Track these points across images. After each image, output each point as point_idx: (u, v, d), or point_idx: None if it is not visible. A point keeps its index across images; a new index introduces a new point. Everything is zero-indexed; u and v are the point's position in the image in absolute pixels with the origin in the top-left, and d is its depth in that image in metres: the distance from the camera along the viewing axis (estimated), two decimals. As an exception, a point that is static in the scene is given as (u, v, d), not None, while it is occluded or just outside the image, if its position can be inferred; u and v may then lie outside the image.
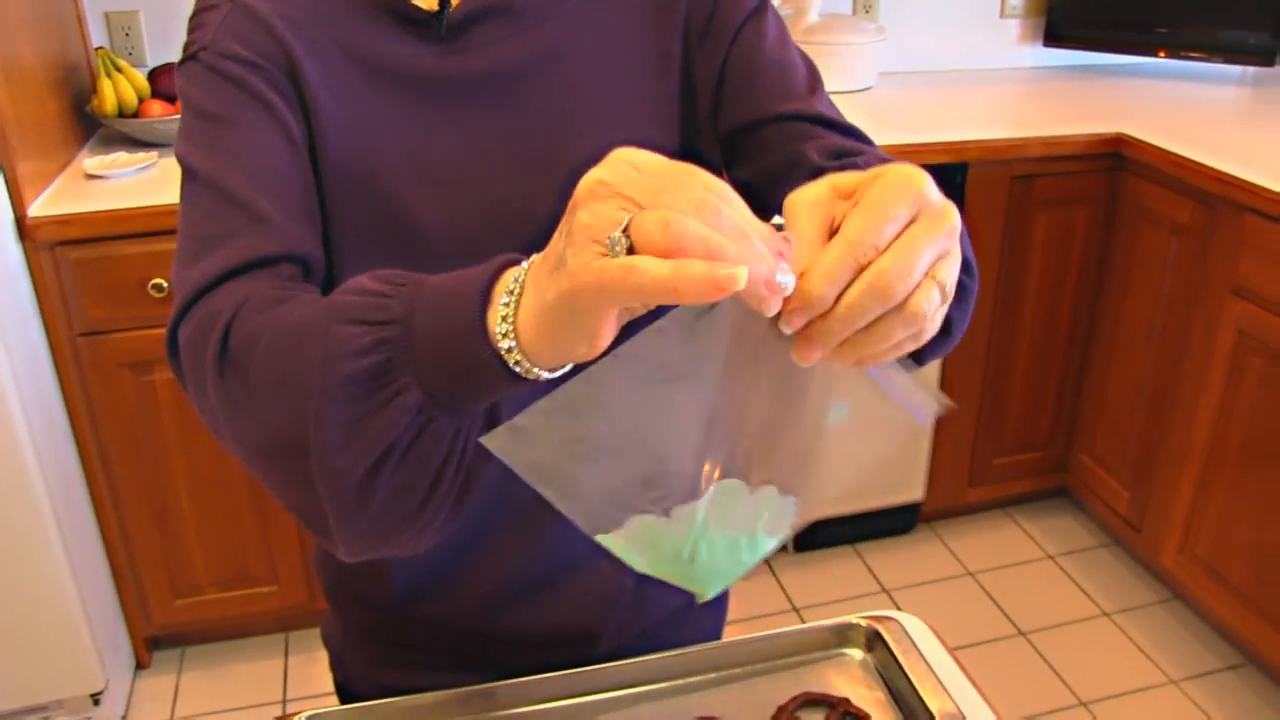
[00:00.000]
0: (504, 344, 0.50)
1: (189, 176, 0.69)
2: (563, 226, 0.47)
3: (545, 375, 0.52)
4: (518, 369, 0.51)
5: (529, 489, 0.80)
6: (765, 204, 0.68)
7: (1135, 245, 2.23)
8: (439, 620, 0.88)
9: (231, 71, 0.70)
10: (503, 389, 0.53)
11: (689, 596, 0.93)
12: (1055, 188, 2.24)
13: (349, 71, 0.73)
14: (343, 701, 0.98)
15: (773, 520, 0.56)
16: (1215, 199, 1.98)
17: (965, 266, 0.65)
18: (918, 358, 0.64)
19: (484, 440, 0.50)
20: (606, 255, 0.44)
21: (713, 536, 0.54)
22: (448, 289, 0.53)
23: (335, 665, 0.97)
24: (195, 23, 0.74)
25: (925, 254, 0.46)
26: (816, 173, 0.68)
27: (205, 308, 0.61)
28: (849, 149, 0.74)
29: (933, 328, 0.48)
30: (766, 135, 0.78)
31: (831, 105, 0.79)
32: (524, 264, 0.51)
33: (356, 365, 0.53)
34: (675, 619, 0.96)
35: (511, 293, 0.50)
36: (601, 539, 0.54)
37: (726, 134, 0.80)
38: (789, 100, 0.78)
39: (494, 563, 0.85)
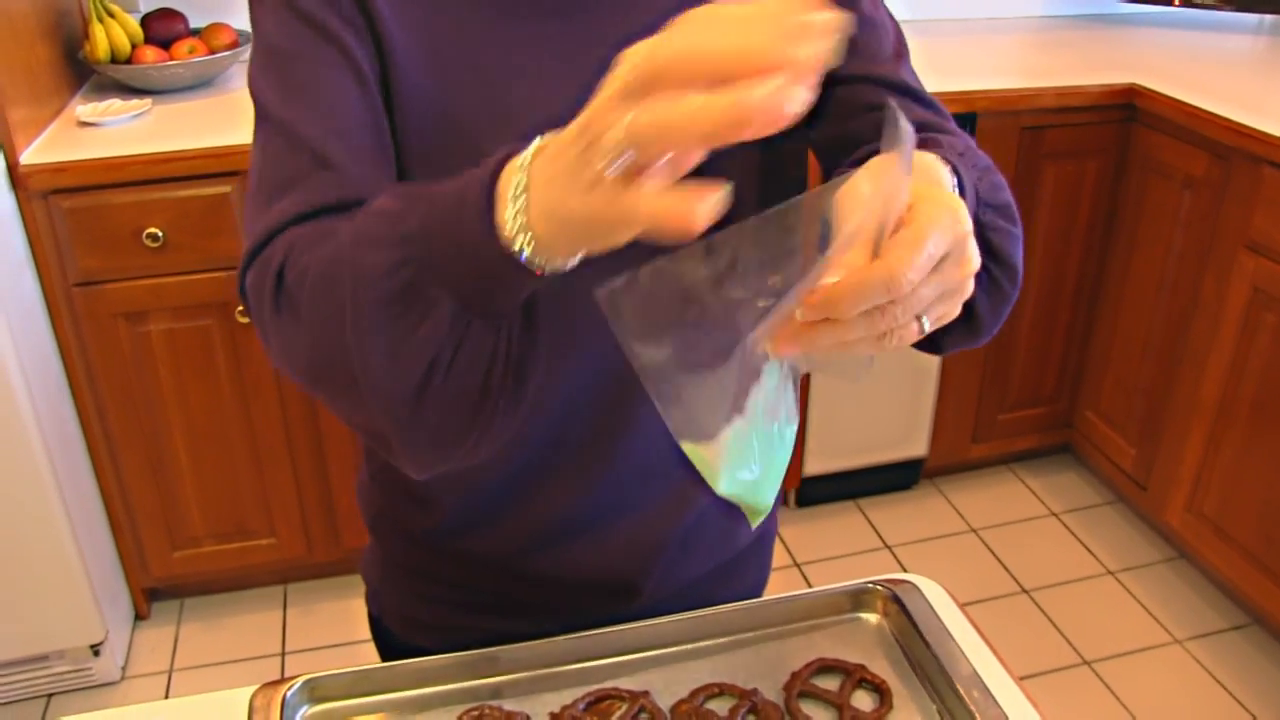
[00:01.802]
0: (521, 249, 0.50)
1: (262, 117, 0.70)
2: (578, 137, 0.46)
3: (567, 266, 0.51)
4: (536, 268, 0.51)
5: (584, 428, 0.82)
6: (838, 162, 0.72)
7: (1146, 198, 2.19)
8: (479, 557, 0.87)
9: (303, 6, 0.68)
10: (530, 284, 0.53)
11: (732, 552, 0.93)
12: (1065, 139, 2.19)
13: (423, 4, 0.71)
14: (375, 636, 0.99)
15: (789, 410, 0.56)
16: (1230, 151, 1.94)
17: (1011, 274, 0.66)
18: (937, 347, 0.66)
19: (598, 295, 0.51)
20: (635, 180, 0.43)
21: (760, 431, 0.55)
22: (455, 195, 0.52)
23: (371, 598, 0.98)
24: None
25: (927, 304, 0.50)
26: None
27: (267, 252, 0.63)
28: (930, 123, 0.73)
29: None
30: (851, 94, 0.76)
31: (913, 72, 0.78)
32: (524, 155, 0.50)
33: (384, 288, 0.53)
34: (718, 575, 0.94)
35: (517, 196, 0.49)
36: (689, 449, 0.54)
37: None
38: (877, 62, 0.76)
39: (542, 500, 0.83)
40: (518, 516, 0.84)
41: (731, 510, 0.90)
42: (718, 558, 0.93)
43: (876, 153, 0.53)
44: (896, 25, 0.80)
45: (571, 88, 0.72)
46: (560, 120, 0.71)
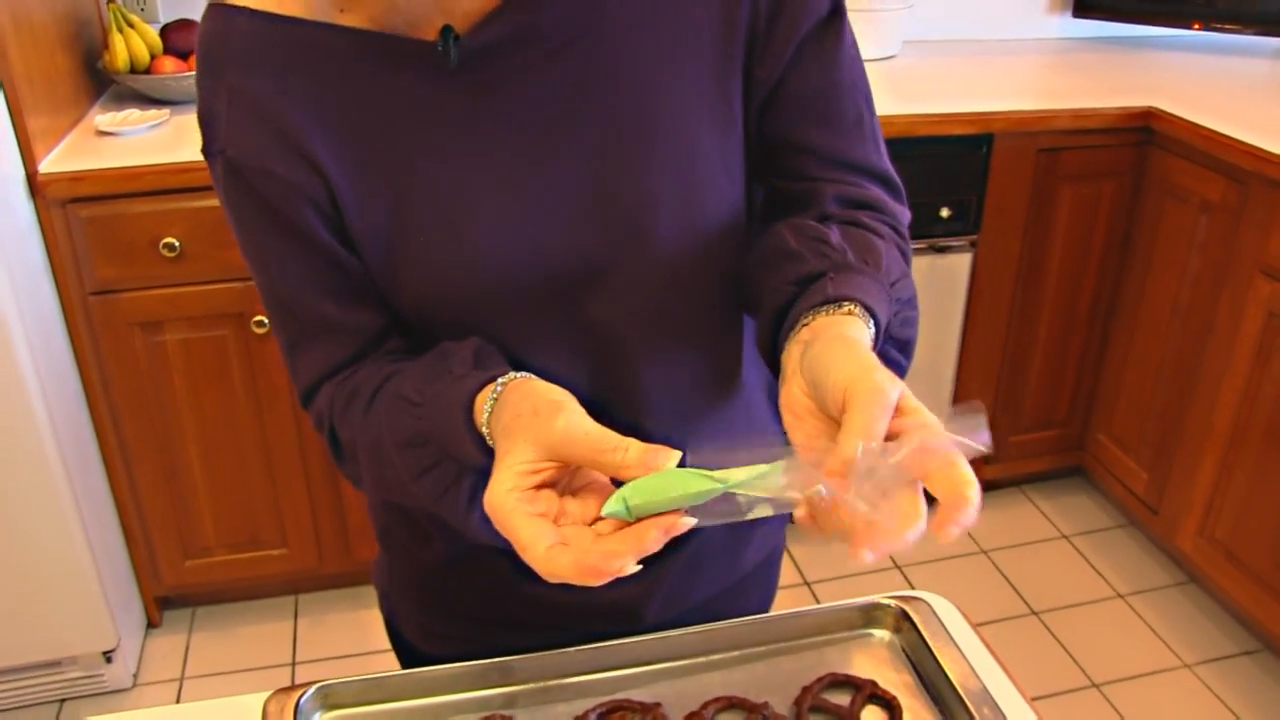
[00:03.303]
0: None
1: (253, 271, 0.76)
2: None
3: None
4: None
5: None
6: (771, 218, 0.77)
7: (1161, 222, 2.18)
8: (481, 580, 0.88)
9: (253, 182, 0.70)
10: None
11: (737, 576, 0.96)
12: (1082, 161, 2.19)
13: (362, 138, 0.70)
14: (391, 636, 1.00)
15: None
16: (1248, 175, 1.93)
17: (906, 349, 0.73)
18: None
19: None
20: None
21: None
22: (449, 406, 0.66)
23: (383, 603, 0.99)
24: (203, 106, 0.72)
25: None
26: (824, 219, 0.74)
27: (315, 409, 0.78)
28: (866, 200, 0.76)
29: None
30: (792, 160, 0.77)
31: (871, 137, 0.78)
32: (487, 408, 0.64)
33: (425, 480, 0.70)
34: (723, 597, 0.95)
35: (488, 426, 0.64)
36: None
37: (765, 139, 0.77)
38: (827, 131, 0.76)
39: None
40: (511, 551, 0.85)
41: (736, 536, 0.91)
42: (722, 582, 0.93)
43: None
44: (864, 85, 0.78)
45: (540, 205, 0.72)
46: (527, 238, 0.72)
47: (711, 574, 0.91)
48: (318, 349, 0.76)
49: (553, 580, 0.56)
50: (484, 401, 0.64)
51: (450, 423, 0.66)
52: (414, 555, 0.90)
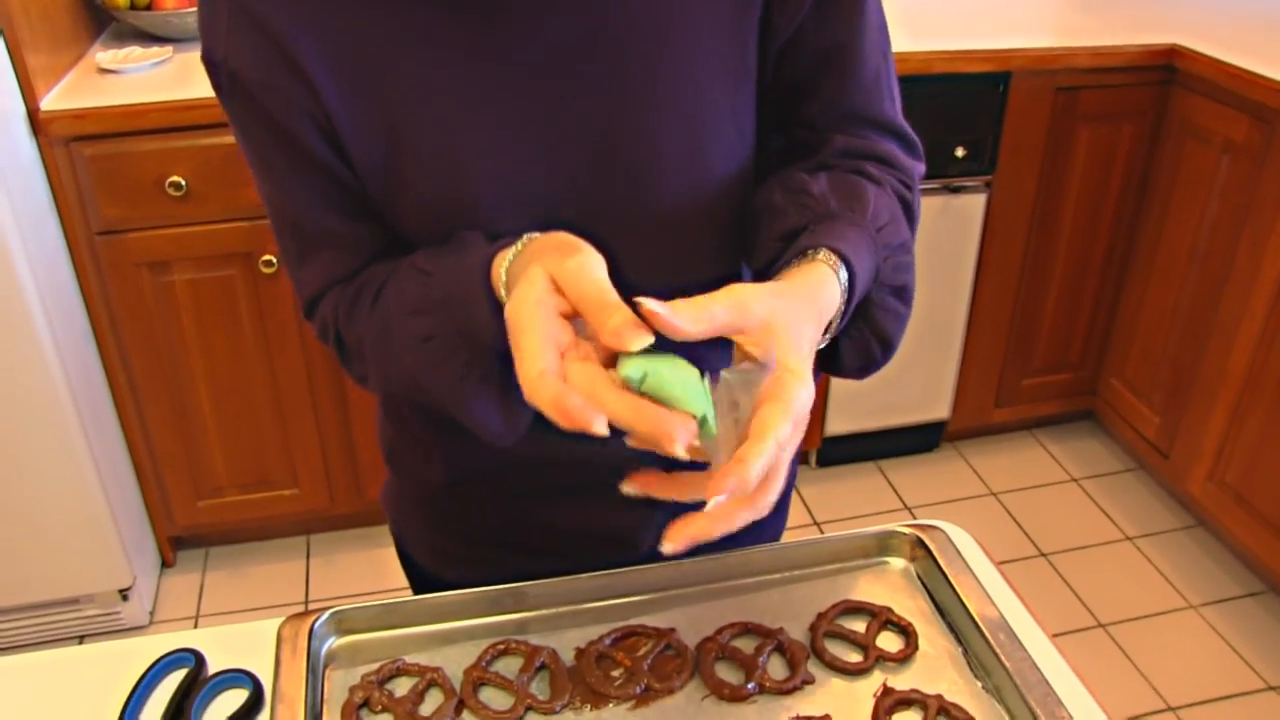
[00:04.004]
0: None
1: (257, 180, 0.75)
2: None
3: None
4: None
5: None
6: (780, 168, 0.77)
7: (1181, 164, 2.14)
8: (483, 502, 0.89)
9: (254, 93, 0.69)
10: None
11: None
12: (1101, 101, 2.15)
13: (360, 64, 0.68)
14: (401, 558, 1.02)
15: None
16: (1274, 114, 1.89)
17: (885, 347, 0.72)
18: (860, 373, 0.74)
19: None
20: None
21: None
22: (465, 272, 0.65)
23: (393, 525, 1.01)
24: (204, 14, 0.70)
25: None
26: (822, 168, 0.74)
27: (319, 317, 0.79)
28: (876, 154, 0.75)
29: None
30: (806, 111, 0.76)
31: (888, 93, 0.77)
32: (507, 260, 0.63)
33: (427, 348, 0.68)
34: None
35: (506, 277, 0.63)
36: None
37: (780, 88, 0.76)
38: (844, 84, 0.75)
39: (536, 461, 0.84)
40: (512, 475, 0.86)
41: None
42: None
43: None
44: (883, 30, 0.77)
45: (547, 156, 0.71)
46: (536, 185, 0.72)
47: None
48: (321, 260, 0.77)
49: (530, 403, 0.55)
50: (503, 259, 0.63)
51: (465, 283, 0.65)
52: (417, 474, 0.92)
